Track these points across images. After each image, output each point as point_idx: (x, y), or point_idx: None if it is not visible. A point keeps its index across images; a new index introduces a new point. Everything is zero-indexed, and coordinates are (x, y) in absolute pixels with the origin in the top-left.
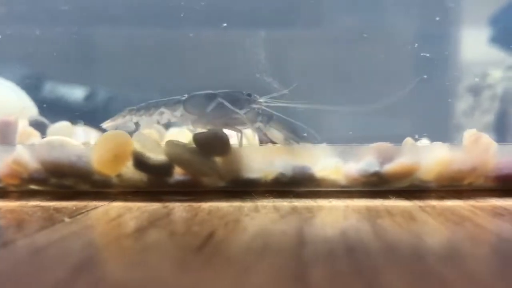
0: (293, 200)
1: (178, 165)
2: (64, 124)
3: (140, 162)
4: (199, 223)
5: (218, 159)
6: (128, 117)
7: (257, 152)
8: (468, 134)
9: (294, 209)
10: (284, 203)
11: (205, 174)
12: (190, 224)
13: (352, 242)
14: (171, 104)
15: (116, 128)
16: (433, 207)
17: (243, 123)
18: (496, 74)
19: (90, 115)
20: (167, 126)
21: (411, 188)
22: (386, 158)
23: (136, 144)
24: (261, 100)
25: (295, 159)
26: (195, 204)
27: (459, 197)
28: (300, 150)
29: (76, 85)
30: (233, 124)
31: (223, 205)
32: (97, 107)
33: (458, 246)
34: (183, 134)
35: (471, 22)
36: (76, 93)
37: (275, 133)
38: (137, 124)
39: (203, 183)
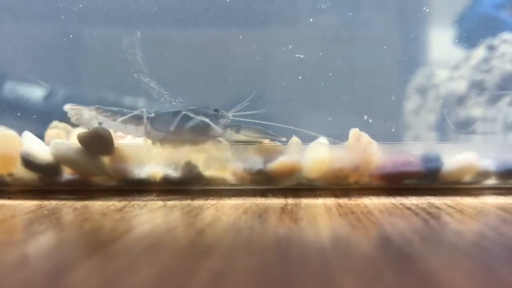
0: (183, 199)
1: (65, 165)
2: None
3: (28, 162)
4: (79, 220)
5: (105, 159)
6: (93, 113)
7: (143, 151)
8: (352, 133)
9: (173, 207)
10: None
11: (92, 173)
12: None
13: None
14: (136, 120)
15: (79, 117)
16: (297, 204)
17: (212, 137)
18: (441, 74)
19: (47, 114)
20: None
21: (299, 186)
22: (269, 157)
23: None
24: (228, 114)
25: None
26: (79, 203)
27: (337, 195)
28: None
29: (35, 84)
30: (203, 140)
31: (108, 204)
32: (56, 106)
33: (256, 242)
34: None
35: (439, 23)
36: (35, 92)
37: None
38: (100, 124)
39: (94, 182)
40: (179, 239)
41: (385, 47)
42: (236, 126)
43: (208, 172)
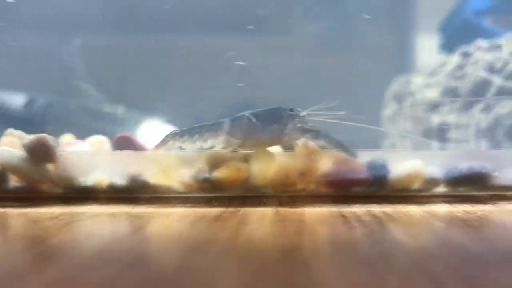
0: (125, 206)
1: (9, 172)
2: None
3: None
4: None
5: (50, 166)
6: (171, 143)
7: (87, 159)
8: (300, 141)
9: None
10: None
11: (36, 180)
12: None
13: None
14: (214, 129)
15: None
16: (234, 212)
17: (289, 139)
18: (417, 81)
19: (28, 121)
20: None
21: (247, 193)
22: (214, 165)
23: None
24: (303, 113)
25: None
26: (26, 210)
27: (283, 203)
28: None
29: (15, 92)
30: (279, 141)
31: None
32: (36, 114)
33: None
34: None
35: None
36: (16, 100)
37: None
38: (181, 149)
39: (41, 189)
40: (92, 247)
41: (362, 54)
42: (315, 132)
43: (154, 180)
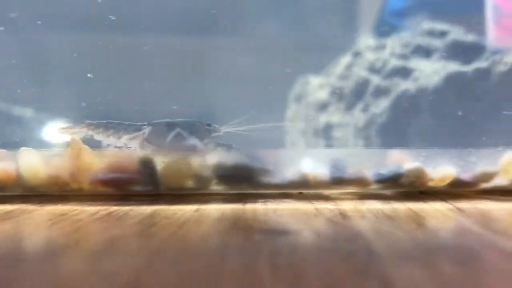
0: None
1: None
2: None
3: None
4: None
5: None
6: (84, 130)
7: None
8: (71, 141)
9: None
10: None
11: None
12: None
13: None
14: (131, 131)
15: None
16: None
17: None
18: (315, 82)
19: None
20: None
21: (26, 193)
22: None
23: None
24: (221, 129)
25: None
26: None
27: (56, 201)
28: None
29: None
30: (194, 153)
31: None
32: None
33: None
34: None
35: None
36: None
37: None
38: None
39: None
40: None
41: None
42: (228, 146)
43: None
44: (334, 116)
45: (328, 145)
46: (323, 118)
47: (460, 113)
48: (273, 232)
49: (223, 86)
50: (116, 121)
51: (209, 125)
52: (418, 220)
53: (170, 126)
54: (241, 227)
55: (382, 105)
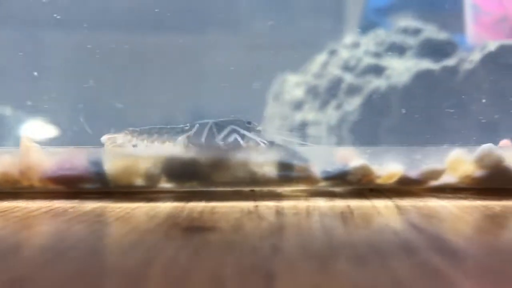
0: None
1: None
2: None
3: None
4: None
5: None
6: (128, 138)
7: None
8: (21, 139)
9: None
10: None
11: None
12: None
13: None
14: (174, 133)
15: (115, 143)
16: None
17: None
18: (291, 80)
19: None
20: None
21: None
22: None
23: None
24: (260, 128)
25: None
26: None
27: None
28: None
29: None
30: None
31: None
32: None
33: None
34: None
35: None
36: None
37: None
38: (135, 147)
39: None
40: None
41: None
42: (270, 142)
43: None
44: (309, 114)
45: (302, 144)
46: (298, 117)
47: (404, 111)
48: (197, 230)
49: (204, 83)
50: (158, 126)
51: (249, 123)
52: (345, 217)
53: (216, 125)
54: (167, 225)
55: (355, 103)
